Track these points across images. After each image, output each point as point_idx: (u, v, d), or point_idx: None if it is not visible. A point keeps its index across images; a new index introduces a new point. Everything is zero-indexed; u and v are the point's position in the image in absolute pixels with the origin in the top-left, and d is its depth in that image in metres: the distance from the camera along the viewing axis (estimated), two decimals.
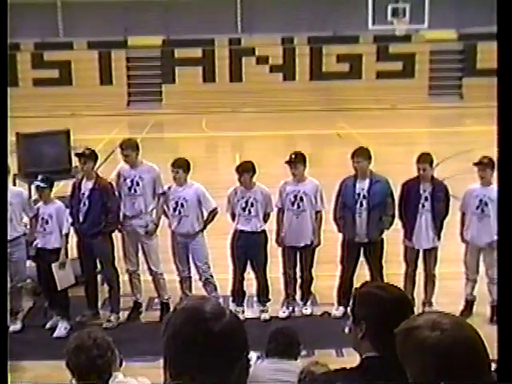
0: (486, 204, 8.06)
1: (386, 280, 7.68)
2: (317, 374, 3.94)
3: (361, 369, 2.72)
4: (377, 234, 8.28)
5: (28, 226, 8.43)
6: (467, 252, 8.37)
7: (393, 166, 13.21)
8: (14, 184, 9.04)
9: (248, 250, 8.41)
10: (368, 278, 8.00)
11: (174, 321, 2.05)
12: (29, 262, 8.60)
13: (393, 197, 8.29)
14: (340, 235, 8.49)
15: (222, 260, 8.81)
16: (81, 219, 8.23)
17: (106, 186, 8.26)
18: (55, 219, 8.10)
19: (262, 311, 8.56)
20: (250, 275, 8.69)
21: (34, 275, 8.65)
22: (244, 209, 8.35)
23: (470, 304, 8.39)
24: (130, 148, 8.45)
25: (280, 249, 8.63)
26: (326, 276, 8.92)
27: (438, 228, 8.27)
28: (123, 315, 8.58)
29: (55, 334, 8.05)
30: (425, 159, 8.13)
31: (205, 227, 8.48)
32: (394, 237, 8.63)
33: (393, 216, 8.32)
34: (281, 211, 8.50)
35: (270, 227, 8.60)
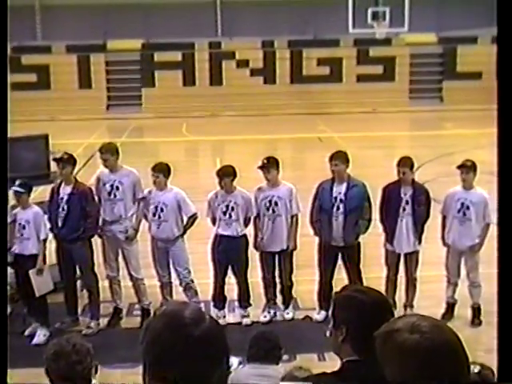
0: (468, 207, 8.10)
1: (367, 284, 7.67)
2: (299, 378, 3.92)
3: (341, 373, 2.71)
4: (353, 237, 8.29)
5: None
6: (448, 255, 8.40)
7: (373, 170, 13.26)
8: None
9: (229, 254, 8.38)
10: (347, 282, 8.02)
11: (154, 326, 2.03)
12: None
13: (370, 201, 8.29)
14: (317, 239, 8.49)
15: (203, 265, 8.77)
16: (59, 224, 8.16)
17: (84, 191, 8.19)
18: (32, 225, 8.02)
19: (244, 316, 8.54)
20: (231, 280, 8.67)
21: (12, 282, 8.53)
22: (225, 213, 8.32)
23: (451, 307, 8.42)
24: (109, 152, 8.39)
25: (258, 254, 8.63)
26: (308, 280, 8.91)
27: (418, 232, 8.29)
28: (103, 321, 8.51)
29: (34, 341, 7.98)
30: (405, 163, 8.14)
31: (184, 232, 8.45)
32: (374, 240, 8.64)
33: (369, 220, 8.33)
34: (257, 217, 8.49)
35: (251, 232, 8.58)
